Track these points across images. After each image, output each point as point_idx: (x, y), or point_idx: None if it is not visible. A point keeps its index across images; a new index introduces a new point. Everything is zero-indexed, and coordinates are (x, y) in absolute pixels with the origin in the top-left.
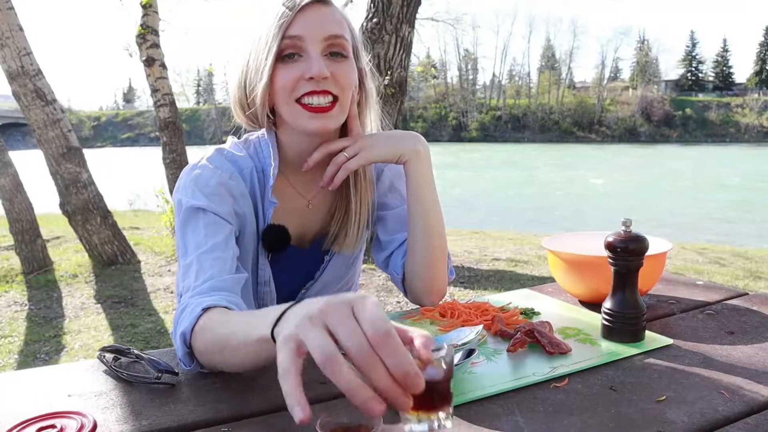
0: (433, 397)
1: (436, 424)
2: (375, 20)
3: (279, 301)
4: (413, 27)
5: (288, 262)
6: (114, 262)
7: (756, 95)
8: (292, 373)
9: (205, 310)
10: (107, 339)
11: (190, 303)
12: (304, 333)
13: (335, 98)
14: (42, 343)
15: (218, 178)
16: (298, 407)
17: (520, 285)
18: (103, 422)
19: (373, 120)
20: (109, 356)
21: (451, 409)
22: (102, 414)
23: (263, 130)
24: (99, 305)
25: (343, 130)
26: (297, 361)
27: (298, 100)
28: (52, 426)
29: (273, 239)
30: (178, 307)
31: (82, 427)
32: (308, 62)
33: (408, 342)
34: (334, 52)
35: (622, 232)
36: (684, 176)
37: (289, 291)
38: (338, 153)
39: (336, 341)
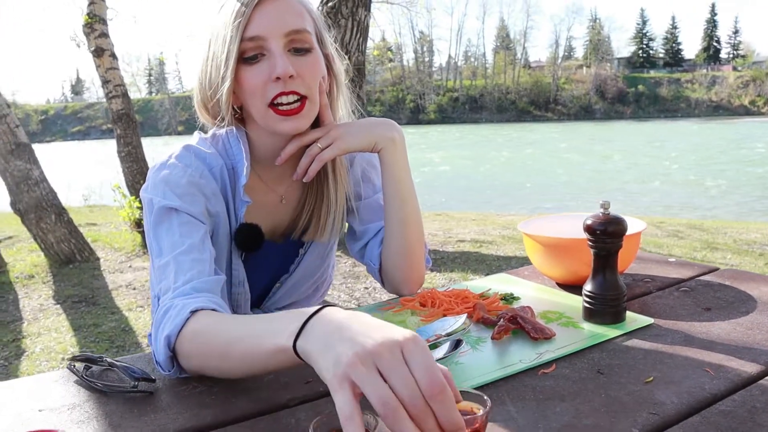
0: None
1: None
2: (330, 4)
3: (253, 298)
4: (369, 10)
5: (262, 258)
6: (72, 260)
7: (704, 71)
8: (357, 419)
9: (193, 312)
10: (69, 340)
11: (174, 305)
12: (358, 376)
13: (304, 97)
14: (0, 348)
15: (189, 177)
16: None
17: (487, 266)
18: None
19: (343, 104)
20: (79, 365)
21: None
22: (77, 428)
23: (231, 126)
24: (58, 306)
25: (316, 121)
26: (357, 405)
27: (270, 105)
28: None
29: (247, 239)
30: (159, 308)
31: None
32: (272, 61)
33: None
34: (298, 48)
35: (601, 214)
36: (638, 151)
37: (263, 286)
38: (311, 144)
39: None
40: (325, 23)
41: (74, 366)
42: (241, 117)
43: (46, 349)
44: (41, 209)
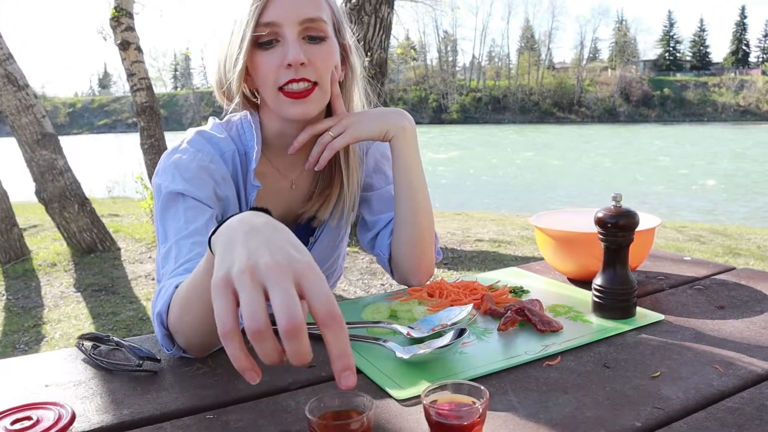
0: None
1: None
2: (354, 1)
3: None
4: (392, 8)
5: None
6: (93, 249)
7: (732, 74)
8: (235, 333)
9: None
10: (88, 327)
11: (164, 285)
12: (242, 287)
13: (314, 84)
14: (21, 333)
15: (199, 161)
16: (252, 372)
17: (504, 265)
18: (82, 412)
19: (359, 97)
20: (87, 344)
21: None
22: (81, 404)
23: (246, 111)
24: (79, 294)
25: (329, 111)
26: (236, 316)
27: (280, 89)
28: (28, 418)
29: None
30: (156, 291)
31: (59, 418)
32: (285, 47)
33: None
34: (312, 36)
35: (612, 207)
36: (661, 156)
37: None
38: (323, 133)
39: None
40: (344, 14)
41: (82, 344)
42: (256, 103)
43: (65, 336)
44: (65, 199)
